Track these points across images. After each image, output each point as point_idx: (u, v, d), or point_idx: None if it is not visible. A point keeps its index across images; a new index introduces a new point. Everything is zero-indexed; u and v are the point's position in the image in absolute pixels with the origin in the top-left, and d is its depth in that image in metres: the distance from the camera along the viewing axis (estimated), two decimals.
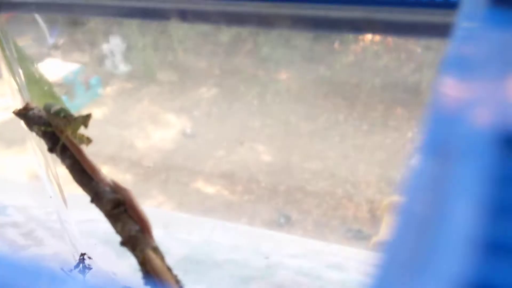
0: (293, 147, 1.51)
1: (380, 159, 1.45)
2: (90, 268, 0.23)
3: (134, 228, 0.21)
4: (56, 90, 0.29)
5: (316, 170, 1.37)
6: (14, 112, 0.29)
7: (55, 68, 1.69)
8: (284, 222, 1.18)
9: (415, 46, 1.62)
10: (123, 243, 0.20)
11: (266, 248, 0.32)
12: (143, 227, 0.21)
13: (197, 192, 1.41)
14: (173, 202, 1.33)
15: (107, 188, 0.22)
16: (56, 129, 0.26)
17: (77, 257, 0.23)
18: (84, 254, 0.23)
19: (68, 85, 1.67)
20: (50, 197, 0.26)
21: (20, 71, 0.31)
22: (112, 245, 0.27)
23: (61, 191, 0.28)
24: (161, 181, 1.36)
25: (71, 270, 0.21)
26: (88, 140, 0.26)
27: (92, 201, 0.22)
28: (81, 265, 0.23)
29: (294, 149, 1.49)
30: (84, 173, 0.24)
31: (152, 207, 1.22)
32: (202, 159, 1.46)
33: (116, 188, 0.23)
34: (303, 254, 0.31)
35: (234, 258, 0.31)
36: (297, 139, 1.55)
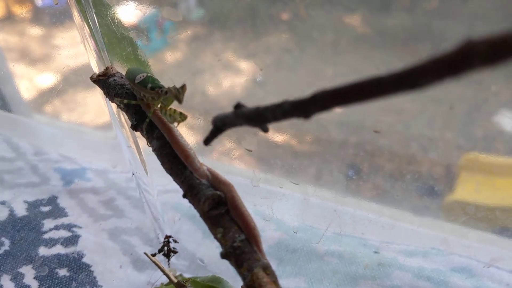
0: None
1: (460, 113, 1.35)
2: (175, 252, 0.21)
3: (238, 236, 0.15)
4: (132, 35, 0.27)
5: (390, 123, 1.30)
6: (91, 78, 0.26)
7: (129, 13, 1.70)
8: (353, 175, 1.15)
9: None
10: (225, 256, 0.15)
11: None
12: (250, 236, 0.16)
13: (265, 139, 1.38)
14: (240, 148, 1.32)
15: (204, 181, 0.17)
16: (142, 103, 0.22)
17: (161, 237, 0.22)
18: (170, 236, 0.22)
19: (142, 30, 1.69)
20: (133, 174, 0.25)
21: (94, 15, 0.29)
22: (198, 222, 0.25)
23: (139, 153, 0.27)
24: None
25: (154, 254, 0.20)
26: (182, 117, 0.20)
27: (185, 196, 0.17)
28: (165, 248, 0.21)
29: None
30: (175, 159, 0.19)
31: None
32: None
33: (215, 182, 0.17)
34: None
35: None
36: None
